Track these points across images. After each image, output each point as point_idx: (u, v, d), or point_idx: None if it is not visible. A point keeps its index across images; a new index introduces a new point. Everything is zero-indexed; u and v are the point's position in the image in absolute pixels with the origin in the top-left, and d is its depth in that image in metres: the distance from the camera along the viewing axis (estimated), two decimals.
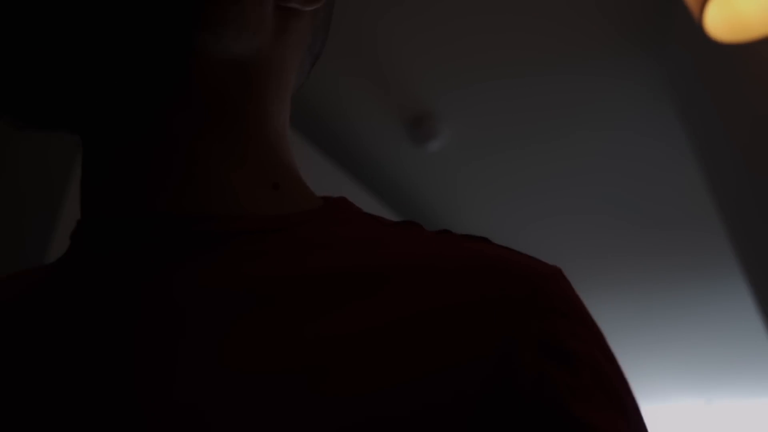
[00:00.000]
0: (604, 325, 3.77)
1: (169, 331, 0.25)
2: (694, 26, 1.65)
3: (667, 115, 2.16)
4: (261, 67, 0.32)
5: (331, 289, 0.26)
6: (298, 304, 0.26)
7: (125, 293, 0.27)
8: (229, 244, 0.29)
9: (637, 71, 1.95)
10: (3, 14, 0.26)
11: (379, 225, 0.32)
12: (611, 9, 1.74)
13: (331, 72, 1.92)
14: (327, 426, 0.22)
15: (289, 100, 0.37)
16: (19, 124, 0.30)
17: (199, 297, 0.26)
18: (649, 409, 5.27)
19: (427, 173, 2.38)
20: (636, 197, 2.63)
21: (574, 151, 2.33)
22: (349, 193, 2.07)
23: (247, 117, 0.32)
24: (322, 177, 1.88)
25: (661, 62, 1.88)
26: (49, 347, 0.26)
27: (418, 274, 0.27)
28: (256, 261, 0.28)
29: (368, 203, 2.19)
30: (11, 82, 0.28)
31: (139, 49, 0.28)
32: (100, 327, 0.26)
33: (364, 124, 2.14)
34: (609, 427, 0.24)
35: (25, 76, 0.28)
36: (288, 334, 0.25)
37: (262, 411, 0.22)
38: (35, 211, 1.19)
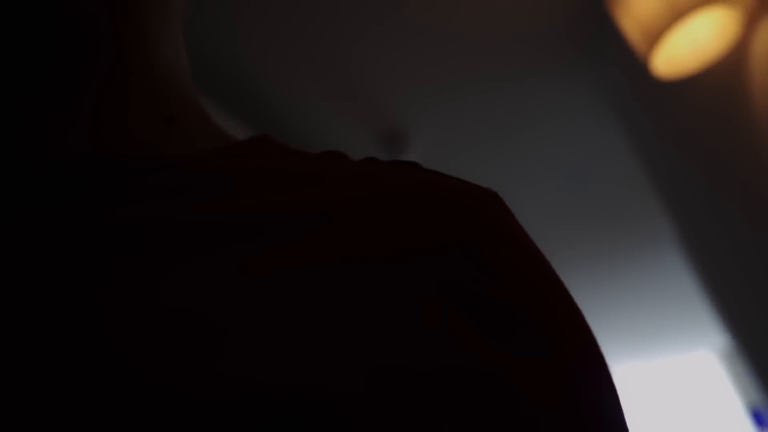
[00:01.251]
0: None
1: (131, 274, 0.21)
2: (625, 52, 1.97)
3: (609, 120, 2.53)
4: None
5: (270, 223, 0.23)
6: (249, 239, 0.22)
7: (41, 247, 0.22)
8: (119, 185, 0.25)
9: (580, 84, 2.29)
10: None
11: (302, 157, 0.29)
12: (551, 36, 2.03)
13: (307, 95, 2.04)
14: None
15: (178, 26, 0.34)
16: None
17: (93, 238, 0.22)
18: None
19: None
20: (583, 187, 2.99)
21: (530, 151, 2.64)
22: None
23: (129, 44, 0.30)
24: None
25: (600, 77, 2.23)
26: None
27: (346, 207, 0.24)
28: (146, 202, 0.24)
29: None
30: None
31: None
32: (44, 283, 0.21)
33: (340, 142, 2.29)
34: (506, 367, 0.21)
35: None
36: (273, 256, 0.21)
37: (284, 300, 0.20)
38: None
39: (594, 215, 3.27)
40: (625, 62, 1.98)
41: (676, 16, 1.23)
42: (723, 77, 1.48)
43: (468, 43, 2.01)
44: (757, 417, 6.20)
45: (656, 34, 1.27)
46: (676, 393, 6.74)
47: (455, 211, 0.25)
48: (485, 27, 1.96)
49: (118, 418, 0.16)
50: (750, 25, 1.35)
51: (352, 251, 0.22)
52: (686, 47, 1.39)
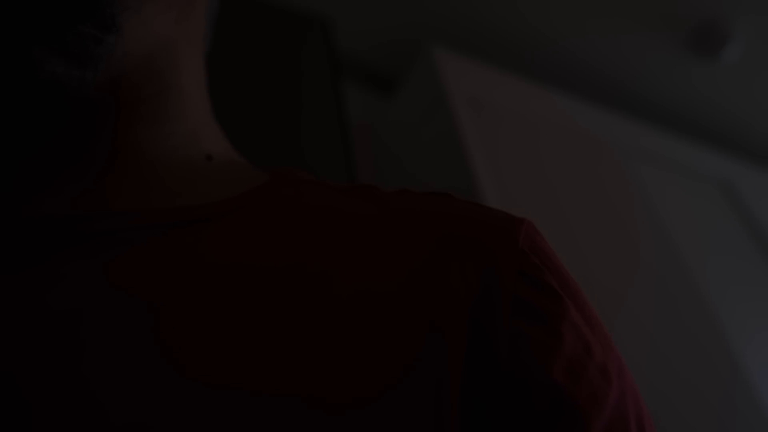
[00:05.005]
0: None
1: (75, 342, 0.21)
2: None
3: None
4: (180, 39, 0.30)
5: (293, 282, 0.24)
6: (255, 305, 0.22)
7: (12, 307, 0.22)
8: (142, 240, 0.25)
9: None
10: None
11: (333, 194, 0.30)
12: None
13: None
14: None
15: (204, 66, 0.35)
16: None
17: (99, 306, 0.22)
18: None
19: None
20: None
21: None
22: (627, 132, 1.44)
23: (178, 92, 0.31)
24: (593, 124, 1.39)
25: None
26: None
27: (380, 247, 0.25)
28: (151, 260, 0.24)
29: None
30: None
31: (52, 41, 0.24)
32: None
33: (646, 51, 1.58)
34: (586, 397, 0.23)
35: None
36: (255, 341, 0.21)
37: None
38: None
39: None
40: None
41: None
42: None
43: None
44: None
45: None
46: None
47: (480, 253, 0.26)
48: None
49: None
50: None
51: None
52: None
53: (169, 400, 0.19)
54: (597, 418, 0.23)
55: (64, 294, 0.22)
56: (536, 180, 1.15)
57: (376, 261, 0.25)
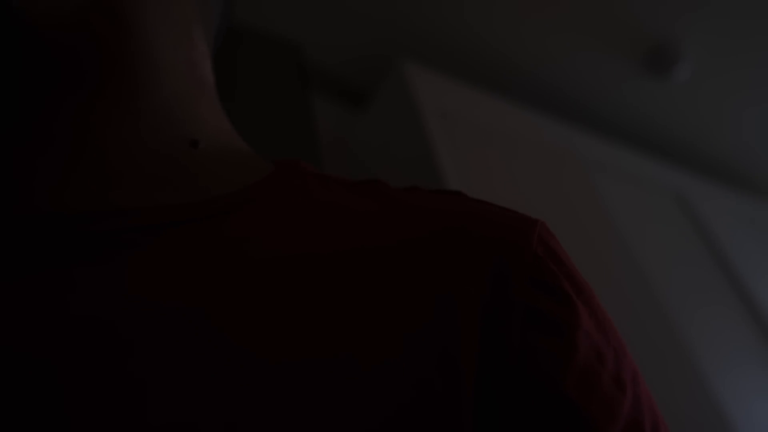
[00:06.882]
0: None
1: (103, 356, 0.19)
2: None
3: None
4: None
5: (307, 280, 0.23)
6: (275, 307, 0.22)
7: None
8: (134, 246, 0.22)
9: None
10: None
11: (343, 190, 0.28)
12: None
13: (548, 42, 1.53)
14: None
15: (196, 28, 0.30)
16: None
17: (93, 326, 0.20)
18: None
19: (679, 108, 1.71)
20: None
21: None
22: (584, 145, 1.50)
23: (131, 59, 0.26)
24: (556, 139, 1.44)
25: None
26: None
27: (395, 246, 0.24)
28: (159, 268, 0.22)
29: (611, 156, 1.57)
30: None
31: None
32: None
33: (602, 72, 1.61)
34: (602, 413, 0.22)
35: None
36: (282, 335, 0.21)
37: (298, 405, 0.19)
38: None
39: None
40: None
41: None
42: None
43: None
44: None
45: None
46: None
47: (492, 255, 0.24)
48: None
49: None
50: None
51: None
52: None
53: (246, 384, 0.19)
54: (611, 429, 0.22)
55: (86, 302, 0.21)
56: (506, 190, 1.19)
57: (391, 258, 0.24)
